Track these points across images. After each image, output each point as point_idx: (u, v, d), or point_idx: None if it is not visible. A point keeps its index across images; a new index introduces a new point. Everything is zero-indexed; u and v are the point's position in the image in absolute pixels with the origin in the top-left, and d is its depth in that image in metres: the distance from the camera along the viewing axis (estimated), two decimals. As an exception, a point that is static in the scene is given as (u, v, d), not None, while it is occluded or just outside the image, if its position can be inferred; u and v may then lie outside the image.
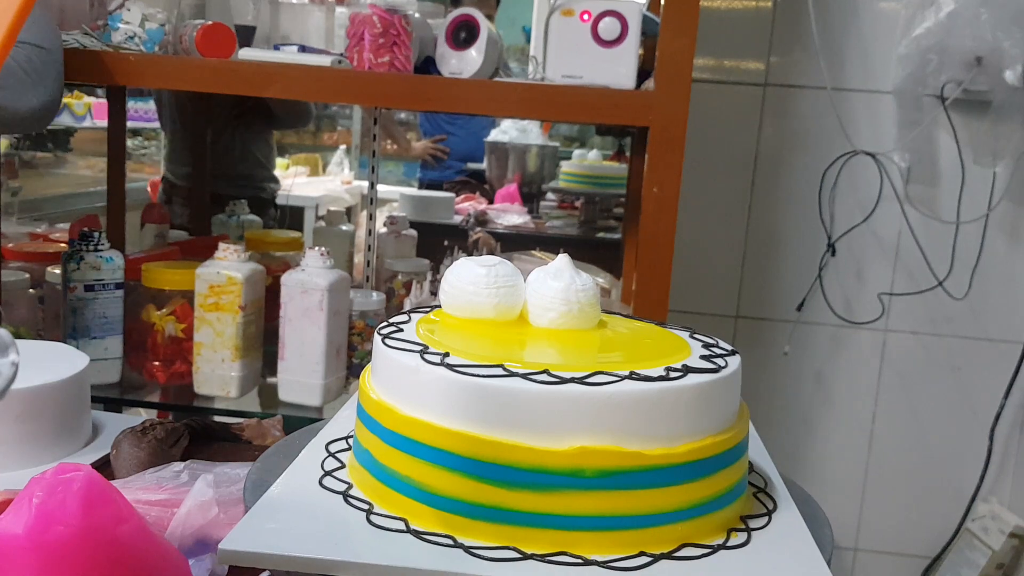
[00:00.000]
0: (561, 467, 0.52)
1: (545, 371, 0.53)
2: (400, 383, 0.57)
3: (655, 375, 0.55)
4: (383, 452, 0.57)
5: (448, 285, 0.65)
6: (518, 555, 0.52)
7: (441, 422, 0.54)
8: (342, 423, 0.71)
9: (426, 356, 0.56)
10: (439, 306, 0.67)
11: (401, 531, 0.54)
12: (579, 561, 0.52)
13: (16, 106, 1.12)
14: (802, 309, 1.88)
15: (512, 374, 0.53)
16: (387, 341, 0.60)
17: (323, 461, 0.63)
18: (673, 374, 0.55)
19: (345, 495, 0.58)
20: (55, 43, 1.20)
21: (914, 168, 1.81)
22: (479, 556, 0.51)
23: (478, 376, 0.53)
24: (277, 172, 2.59)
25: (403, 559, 0.51)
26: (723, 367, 0.58)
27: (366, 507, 0.56)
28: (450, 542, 0.52)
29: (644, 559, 0.52)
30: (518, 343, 0.62)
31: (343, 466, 0.63)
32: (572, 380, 0.53)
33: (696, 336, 0.67)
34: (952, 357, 1.88)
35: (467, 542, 0.52)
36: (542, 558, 0.51)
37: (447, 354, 0.56)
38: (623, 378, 0.54)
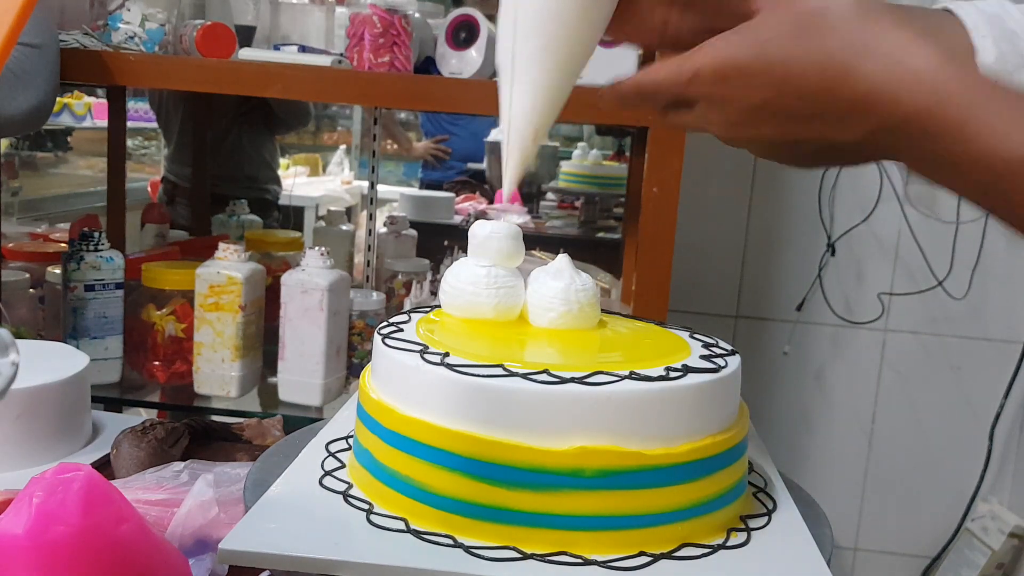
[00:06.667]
0: (561, 467, 0.52)
1: (545, 371, 0.53)
2: (400, 383, 0.57)
3: (655, 375, 0.55)
4: (383, 452, 0.57)
5: (448, 285, 0.65)
6: (518, 555, 0.52)
7: (441, 422, 0.54)
8: (342, 423, 0.71)
9: (426, 356, 0.56)
10: (439, 306, 0.67)
11: (401, 531, 0.54)
12: (579, 561, 0.51)
13: (2, 109, 1.08)
14: (802, 309, 1.88)
15: (512, 374, 0.53)
16: (387, 341, 0.60)
17: (323, 461, 0.63)
18: (673, 374, 0.55)
19: (345, 495, 0.58)
20: (49, 41, 1.17)
21: (914, 168, 1.81)
22: (479, 556, 0.51)
23: (478, 376, 0.53)
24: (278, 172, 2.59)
25: (403, 559, 0.51)
26: (723, 367, 0.58)
27: (366, 507, 0.56)
28: (450, 542, 0.52)
29: (644, 559, 0.52)
30: (518, 343, 0.62)
31: (343, 466, 0.63)
32: (572, 380, 0.53)
33: (696, 336, 0.67)
34: (952, 357, 1.88)
35: (467, 542, 0.52)
36: (542, 558, 0.51)
37: (447, 354, 0.56)
38: (623, 378, 0.54)
